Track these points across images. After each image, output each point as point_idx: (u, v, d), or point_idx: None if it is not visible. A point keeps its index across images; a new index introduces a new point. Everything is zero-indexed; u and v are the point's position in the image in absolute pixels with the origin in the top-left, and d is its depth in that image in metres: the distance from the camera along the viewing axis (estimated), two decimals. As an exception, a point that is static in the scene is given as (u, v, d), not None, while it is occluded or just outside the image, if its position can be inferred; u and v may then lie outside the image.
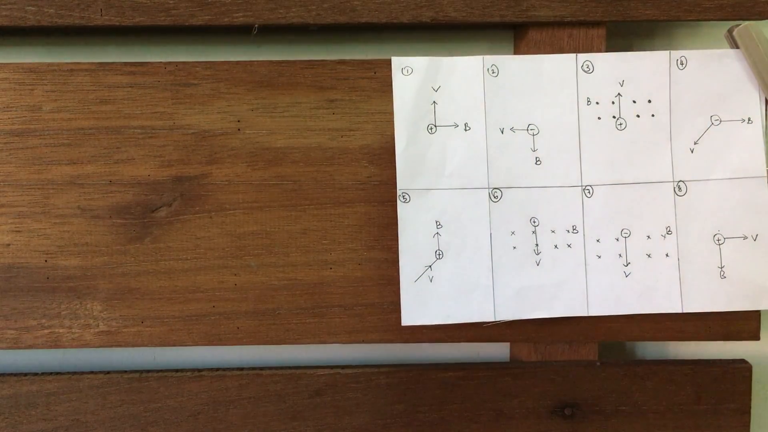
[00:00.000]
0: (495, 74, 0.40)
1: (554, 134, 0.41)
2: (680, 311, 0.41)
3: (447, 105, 0.41)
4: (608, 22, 0.42)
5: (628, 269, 0.41)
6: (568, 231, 0.41)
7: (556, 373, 0.43)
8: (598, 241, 0.41)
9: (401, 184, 0.41)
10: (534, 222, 0.41)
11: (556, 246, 0.41)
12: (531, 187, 0.41)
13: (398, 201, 0.41)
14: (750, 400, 0.43)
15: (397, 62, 0.40)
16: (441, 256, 0.41)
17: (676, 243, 0.41)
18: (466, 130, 0.41)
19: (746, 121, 0.41)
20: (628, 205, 0.41)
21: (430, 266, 0.41)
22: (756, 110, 0.41)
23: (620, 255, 0.41)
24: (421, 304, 0.41)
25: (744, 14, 0.41)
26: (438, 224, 0.41)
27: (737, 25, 0.40)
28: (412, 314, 0.41)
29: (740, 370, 0.43)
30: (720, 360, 0.44)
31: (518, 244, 0.41)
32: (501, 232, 0.41)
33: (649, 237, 0.41)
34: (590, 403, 0.43)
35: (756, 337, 0.43)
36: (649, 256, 0.41)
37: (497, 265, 0.41)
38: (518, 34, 0.44)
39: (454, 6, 0.41)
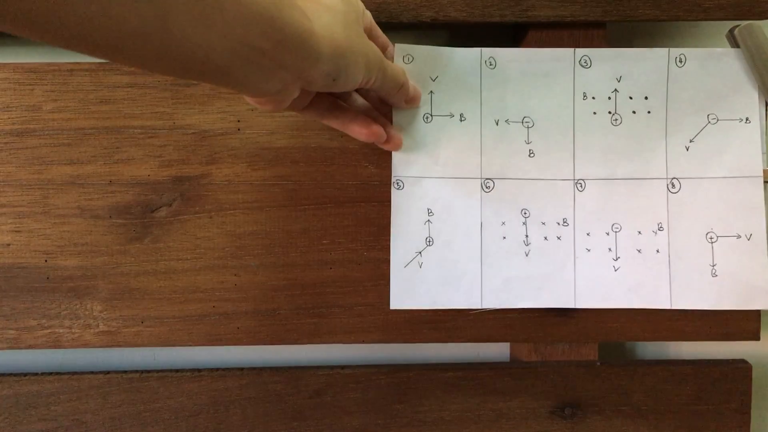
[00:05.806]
0: (492, 66, 0.41)
1: (549, 127, 0.41)
2: (669, 308, 0.41)
3: (443, 95, 0.41)
4: (608, 22, 0.42)
5: (617, 263, 0.41)
6: (559, 224, 0.41)
7: (556, 373, 0.43)
8: (588, 234, 0.41)
9: (396, 171, 0.41)
10: (525, 213, 0.41)
11: (545, 238, 0.41)
12: (523, 179, 0.41)
13: (392, 188, 0.41)
14: (750, 400, 0.43)
15: (400, 49, 0.40)
16: (431, 242, 0.41)
17: (667, 239, 0.41)
18: (461, 120, 0.41)
19: (744, 120, 0.41)
20: (620, 200, 0.41)
21: (420, 252, 0.41)
22: (755, 110, 0.41)
23: (610, 249, 0.41)
24: (410, 288, 0.41)
25: (744, 14, 0.41)
26: (430, 212, 0.41)
27: (738, 25, 0.40)
28: (400, 298, 0.41)
29: (740, 370, 0.43)
30: (720, 360, 0.44)
31: (508, 235, 0.41)
32: (491, 222, 0.41)
33: (640, 233, 0.41)
34: (590, 403, 0.43)
35: (756, 337, 0.43)
36: (639, 251, 0.41)
37: (486, 254, 0.41)
38: (518, 34, 0.44)
39: (454, 6, 0.41)
